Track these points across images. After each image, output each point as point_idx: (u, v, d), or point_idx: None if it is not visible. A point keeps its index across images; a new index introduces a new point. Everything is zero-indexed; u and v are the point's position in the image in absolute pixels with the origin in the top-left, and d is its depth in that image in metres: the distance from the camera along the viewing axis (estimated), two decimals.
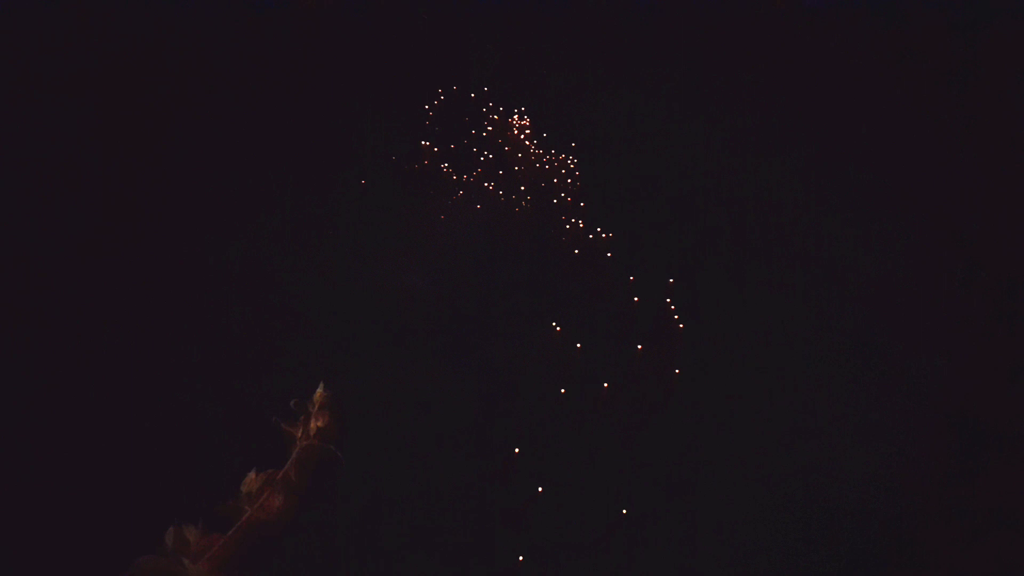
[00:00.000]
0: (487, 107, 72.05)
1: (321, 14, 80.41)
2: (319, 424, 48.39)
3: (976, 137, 60.81)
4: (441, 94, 72.59)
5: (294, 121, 72.35)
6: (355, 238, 62.20)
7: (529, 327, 53.81)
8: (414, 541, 42.87)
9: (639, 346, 47.98)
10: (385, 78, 77.38)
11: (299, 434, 48.09)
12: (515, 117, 70.82)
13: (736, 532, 39.66)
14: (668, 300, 53.72)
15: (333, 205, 65.22)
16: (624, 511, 41.14)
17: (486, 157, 67.15)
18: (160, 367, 51.51)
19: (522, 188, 63.04)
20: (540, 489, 43.48)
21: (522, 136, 68.69)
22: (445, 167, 65.99)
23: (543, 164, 65.29)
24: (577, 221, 58.65)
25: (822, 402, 45.17)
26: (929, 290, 50.47)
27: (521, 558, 40.52)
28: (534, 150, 66.24)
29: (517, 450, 45.80)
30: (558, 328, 51.29)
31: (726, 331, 52.02)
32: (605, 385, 48.63)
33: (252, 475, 46.95)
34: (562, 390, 48.61)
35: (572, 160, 66.03)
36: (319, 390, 49.69)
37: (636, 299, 53.41)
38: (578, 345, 50.90)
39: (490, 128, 70.51)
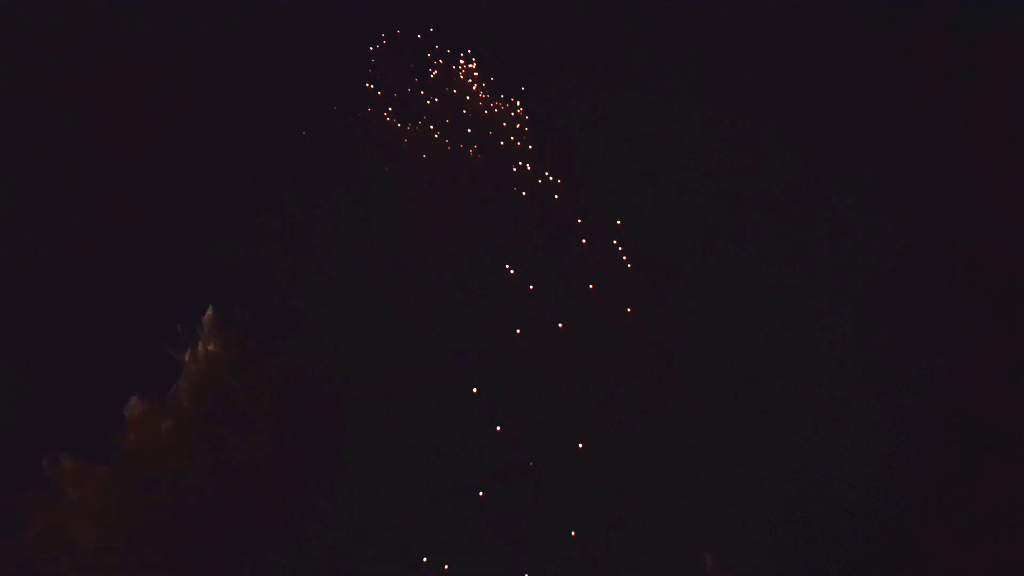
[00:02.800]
0: (433, 51, 68.96)
1: None
2: (210, 348, 47.15)
3: (976, 137, 60.51)
4: (384, 38, 69.21)
5: (270, 115, 70.78)
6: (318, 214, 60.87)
7: (483, 273, 53.31)
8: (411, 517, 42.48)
9: (518, 332, 46.83)
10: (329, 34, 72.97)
11: (187, 358, 46.74)
12: (462, 61, 67.91)
13: (736, 531, 39.49)
14: (615, 241, 52.94)
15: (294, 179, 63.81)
16: (531, 463, 41.03)
17: (433, 102, 64.49)
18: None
19: (469, 131, 60.96)
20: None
21: (469, 81, 65.93)
22: (388, 114, 63.51)
23: (491, 109, 62.52)
24: (525, 164, 57.04)
25: (822, 402, 45.00)
26: (929, 290, 50.27)
27: (482, 492, 40.36)
28: (482, 95, 63.66)
29: (475, 390, 45.68)
30: (512, 271, 50.70)
31: (725, 331, 51.69)
32: (560, 326, 48.38)
33: (135, 400, 45.63)
34: (517, 330, 48.32)
35: (520, 105, 63.69)
36: (209, 312, 48.26)
37: (584, 241, 52.76)
38: (531, 287, 50.44)
39: (436, 73, 67.52)
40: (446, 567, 41.53)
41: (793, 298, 52.74)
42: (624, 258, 52.06)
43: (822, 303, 52.25)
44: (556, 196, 56.90)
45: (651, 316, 51.85)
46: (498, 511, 43.33)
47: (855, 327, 50.48)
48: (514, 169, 58.54)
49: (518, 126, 62.44)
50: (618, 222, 54.35)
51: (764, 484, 41.33)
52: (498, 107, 64.59)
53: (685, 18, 78.21)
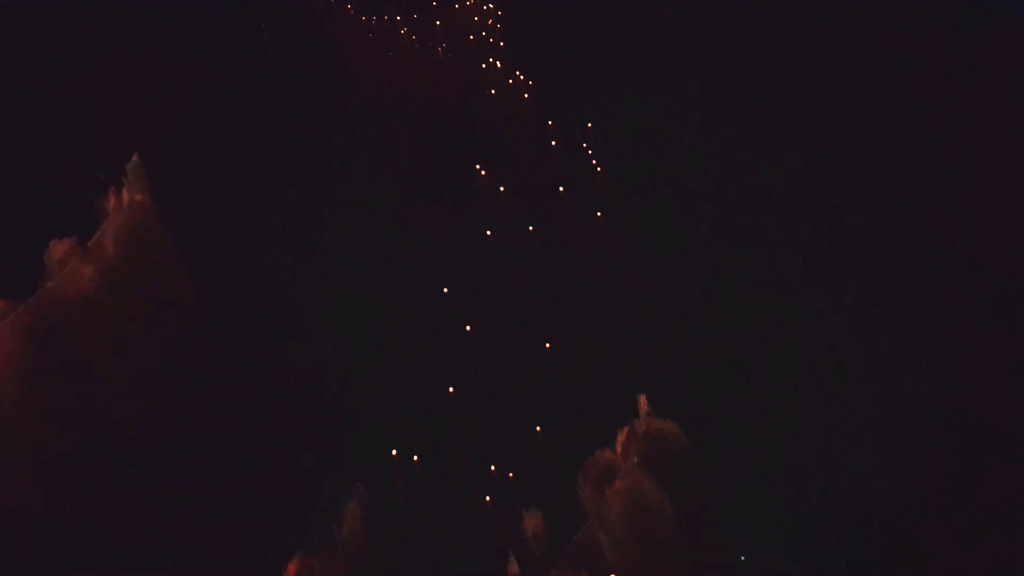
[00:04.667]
0: None
1: None
2: (137, 197, 45.72)
3: (976, 137, 60.49)
4: None
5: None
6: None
7: (455, 177, 52.43)
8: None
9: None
10: None
11: (112, 205, 45.23)
12: None
13: (736, 531, 39.43)
14: (584, 145, 52.02)
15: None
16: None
17: None
18: None
19: (437, 23, 57.21)
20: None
21: None
22: (351, 6, 58.83)
23: (461, 2, 58.16)
24: (495, 62, 54.18)
25: (822, 402, 44.92)
26: (929, 290, 50.23)
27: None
28: None
29: (443, 298, 44.73)
30: (483, 172, 49.95)
31: (725, 331, 51.59)
32: (530, 228, 47.99)
33: (55, 244, 44.29)
34: (488, 231, 47.89)
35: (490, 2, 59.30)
36: (134, 159, 46.89)
37: (554, 143, 51.89)
38: (501, 189, 49.93)
39: None
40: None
41: (793, 298, 52.72)
42: (594, 162, 51.52)
43: (822, 303, 52.24)
44: (526, 96, 55.33)
45: (651, 316, 51.85)
46: (497, 511, 43.34)
47: (855, 327, 50.46)
48: (483, 66, 55.91)
49: (489, 21, 58.76)
50: (588, 124, 53.71)
51: (764, 484, 41.30)
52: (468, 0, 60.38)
53: (685, 18, 78.19)
